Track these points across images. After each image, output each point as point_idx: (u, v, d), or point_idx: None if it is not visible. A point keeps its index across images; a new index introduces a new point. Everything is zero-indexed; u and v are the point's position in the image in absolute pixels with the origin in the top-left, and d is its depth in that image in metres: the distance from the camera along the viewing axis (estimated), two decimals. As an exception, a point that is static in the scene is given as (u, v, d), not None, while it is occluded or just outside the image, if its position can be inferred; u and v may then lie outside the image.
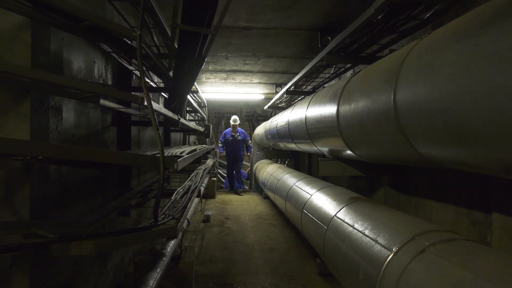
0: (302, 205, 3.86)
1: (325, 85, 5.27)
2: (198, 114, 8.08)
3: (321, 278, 3.22)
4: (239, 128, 8.81)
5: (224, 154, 9.09)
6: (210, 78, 8.26)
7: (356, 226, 2.38)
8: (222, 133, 8.93)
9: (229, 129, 8.71)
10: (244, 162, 9.30)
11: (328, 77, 4.97)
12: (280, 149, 6.93)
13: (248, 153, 8.97)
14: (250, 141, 8.88)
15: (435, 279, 1.48)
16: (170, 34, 2.55)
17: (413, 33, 2.75)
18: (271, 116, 8.70)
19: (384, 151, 2.19)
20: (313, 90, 5.51)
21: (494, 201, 2.01)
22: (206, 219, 5.48)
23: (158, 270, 2.39)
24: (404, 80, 1.68)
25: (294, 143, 4.68)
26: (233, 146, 8.52)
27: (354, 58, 3.40)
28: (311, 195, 3.83)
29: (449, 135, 1.40)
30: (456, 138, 1.37)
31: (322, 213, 3.15)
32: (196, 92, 6.95)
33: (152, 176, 4.46)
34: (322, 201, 3.42)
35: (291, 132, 4.60)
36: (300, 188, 4.43)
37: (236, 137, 8.52)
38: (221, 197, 7.84)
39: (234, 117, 8.71)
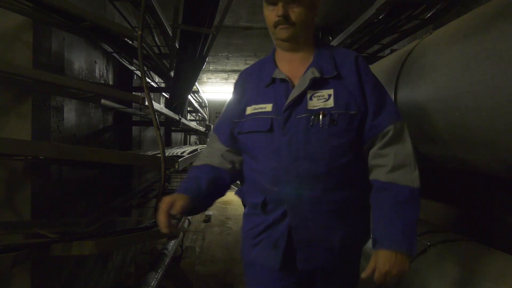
0: (303, 205, 3.85)
1: (326, 85, 5.25)
2: (199, 114, 8.09)
3: (322, 278, 3.22)
4: (322, 46, 1.12)
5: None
6: (211, 78, 8.27)
7: (357, 226, 2.38)
8: (228, 103, 1.27)
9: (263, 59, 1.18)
10: None
11: (329, 77, 4.96)
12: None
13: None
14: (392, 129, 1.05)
15: (436, 279, 1.48)
16: (171, 34, 2.55)
17: (414, 33, 2.74)
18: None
19: (385, 151, 2.18)
20: (314, 90, 5.49)
21: (495, 201, 2.01)
22: (207, 219, 5.48)
23: (159, 270, 2.39)
24: (405, 80, 1.68)
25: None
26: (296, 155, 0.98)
27: (355, 58, 3.39)
28: (312, 195, 3.82)
29: (449, 135, 1.40)
30: (456, 138, 1.37)
31: (323, 213, 3.15)
32: (197, 92, 6.96)
33: (153, 176, 4.46)
34: (323, 201, 3.42)
35: (292, 132, 4.59)
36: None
37: (310, 102, 0.98)
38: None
39: None
